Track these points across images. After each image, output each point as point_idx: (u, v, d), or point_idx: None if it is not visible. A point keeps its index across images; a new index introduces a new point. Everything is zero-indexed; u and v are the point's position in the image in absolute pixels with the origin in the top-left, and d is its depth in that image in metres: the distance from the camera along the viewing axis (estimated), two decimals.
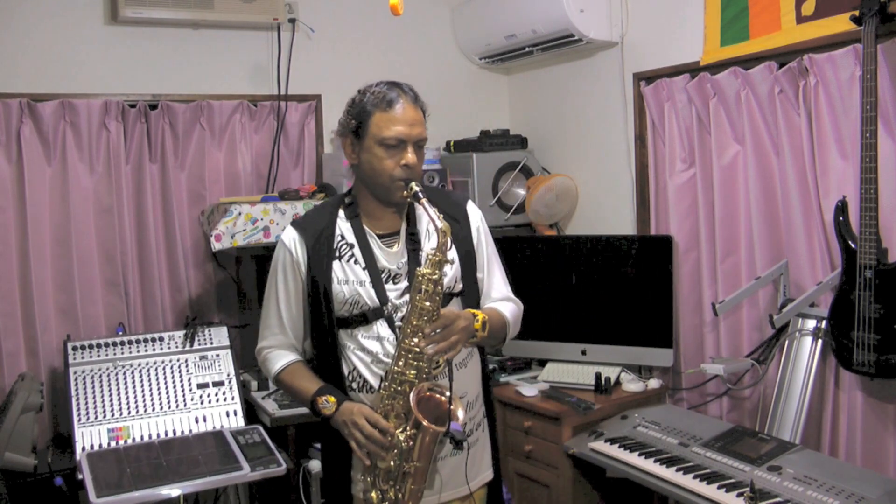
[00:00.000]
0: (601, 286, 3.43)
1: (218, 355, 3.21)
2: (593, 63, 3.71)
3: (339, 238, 2.11)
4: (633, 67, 3.48)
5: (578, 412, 3.03)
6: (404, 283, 2.06)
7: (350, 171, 2.16)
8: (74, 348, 3.09)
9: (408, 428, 1.94)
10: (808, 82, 2.76)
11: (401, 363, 1.96)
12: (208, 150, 3.62)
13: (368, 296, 2.06)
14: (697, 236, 3.25)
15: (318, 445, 3.20)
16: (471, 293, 2.16)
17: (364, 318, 2.06)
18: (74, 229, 3.37)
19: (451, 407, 1.94)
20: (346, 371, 2.10)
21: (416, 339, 1.93)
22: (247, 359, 3.53)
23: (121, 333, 3.34)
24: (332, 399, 2.02)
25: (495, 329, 2.09)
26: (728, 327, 3.14)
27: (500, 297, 2.21)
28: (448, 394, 1.94)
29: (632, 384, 3.24)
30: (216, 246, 3.20)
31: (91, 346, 3.11)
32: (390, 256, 2.09)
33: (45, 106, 3.30)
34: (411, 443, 1.94)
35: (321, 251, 2.09)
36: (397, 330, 2.03)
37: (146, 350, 3.16)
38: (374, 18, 3.91)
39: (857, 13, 2.43)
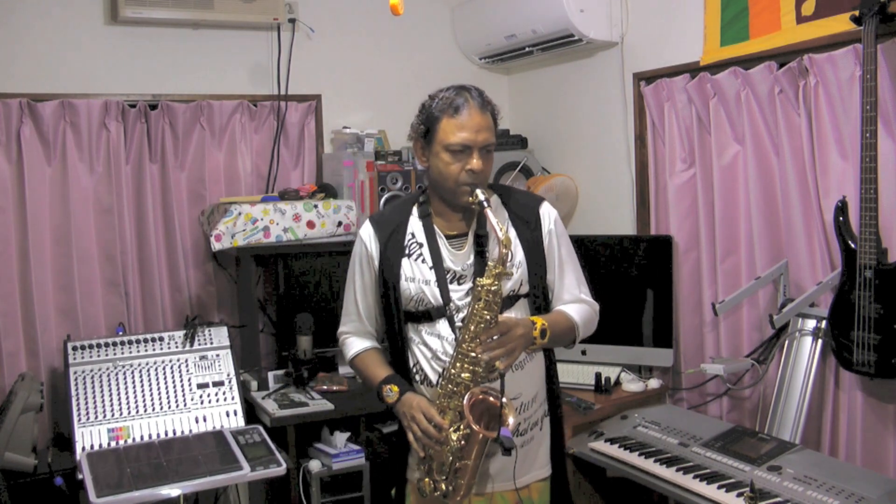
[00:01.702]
0: (601, 286, 3.41)
1: (218, 355, 3.21)
2: (593, 63, 3.71)
3: (410, 236, 2.17)
4: (633, 67, 3.48)
5: (578, 412, 3.02)
6: (468, 285, 2.10)
7: (423, 174, 2.21)
8: (74, 348, 3.08)
9: (461, 427, 2.00)
10: (808, 82, 2.76)
11: (458, 365, 2.01)
12: (208, 150, 3.62)
13: (433, 295, 2.11)
14: (697, 236, 3.25)
15: (319, 445, 3.22)
16: (538, 295, 2.19)
17: (428, 316, 2.13)
18: (74, 229, 3.37)
19: (504, 412, 1.96)
20: (410, 363, 2.17)
21: (473, 345, 1.98)
22: (247, 359, 3.53)
23: (121, 333, 3.34)
24: (396, 388, 2.10)
25: (558, 334, 2.12)
26: (728, 327, 3.14)
27: (570, 298, 2.23)
28: (503, 399, 1.96)
29: (632, 384, 3.24)
30: (216, 246, 3.20)
31: (91, 346, 3.10)
32: (457, 258, 2.13)
33: (45, 106, 3.30)
34: (463, 442, 2.00)
35: (393, 247, 2.16)
36: (457, 330, 2.08)
37: (146, 350, 3.16)
38: (374, 18, 3.91)
39: (857, 13, 2.43)
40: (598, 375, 3.24)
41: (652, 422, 2.95)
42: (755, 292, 2.97)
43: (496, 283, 1.97)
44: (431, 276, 2.12)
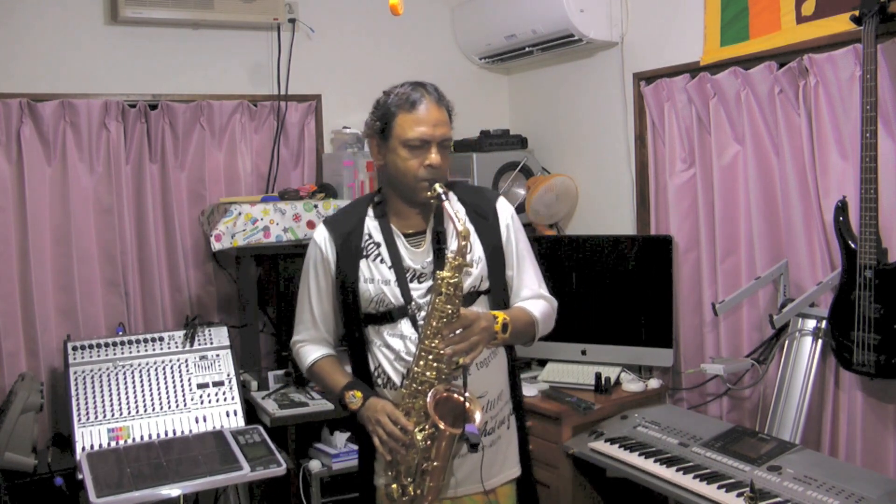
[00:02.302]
0: (601, 286, 3.43)
1: (218, 355, 3.21)
2: (593, 63, 3.71)
3: (367, 237, 2.14)
4: (633, 67, 3.48)
5: (578, 412, 3.02)
6: (429, 283, 2.07)
7: (377, 172, 2.18)
8: (74, 348, 3.09)
9: (426, 428, 1.96)
10: (808, 82, 2.76)
11: (421, 363, 1.98)
12: (208, 150, 3.62)
13: (393, 294, 2.08)
14: (697, 236, 3.25)
15: (319, 445, 3.22)
16: (498, 291, 2.16)
17: (389, 316, 2.09)
18: (74, 229, 3.37)
19: (468, 407, 1.94)
20: (372, 367, 2.13)
21: (436, 341, 1.95)
22: (247, 359, 3.53)
23: (121, 333, 3.34)
24: (359, 394, 2.06)
25: (519, 329, 2.08)
26: (728, 327, 3.14)
27: (530, 294, 2.20)
28: (466, 394, 1.94)
29: (632, 384, 3.24)
30: (216, 246, 3.20)
31: (91, 346, 3.11)
32: (416, 256, 2.11)
33: (45, 106, 3.30)
34: (429, 442, 1.96)
35: (349, 250, 2.12)
36: (420, 329, 2.05)
37: (146, 350, 3.16)
38: (374, 18, 3.91)
39: (857, 13, 2.43)
40: (598, 375, 3.24)
41: (652, 422, 2.95)
42: (755, 292, 2.97)
43: (456, 275, 1.94)
44: (391, 275, 2.08)
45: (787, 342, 2.83)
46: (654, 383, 3.28)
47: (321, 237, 2.17)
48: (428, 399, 1.95)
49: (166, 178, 3.55)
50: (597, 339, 3.43)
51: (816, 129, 2.76)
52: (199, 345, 3.23)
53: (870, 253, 2.45)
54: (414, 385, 1.99)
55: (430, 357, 1.96)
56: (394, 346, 2.09)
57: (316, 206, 3.39)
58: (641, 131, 3.46)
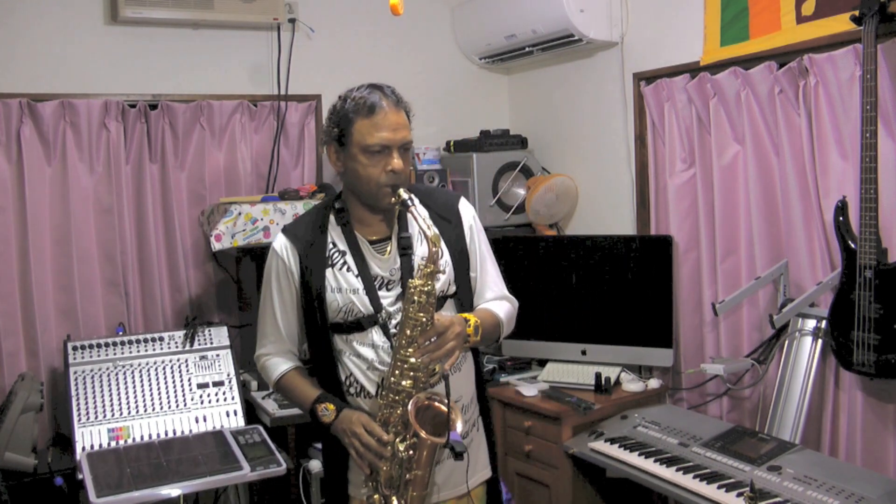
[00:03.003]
0: (601, 286, 3.43)
1: (218, 355, 3.21)
2: (593, 63, 3.71)
3: (331, 245, 2.09)
4: (633, 67, 3.48)
5: (578, 412, 3.02)
6: (398, 290, 2.04)
7: (339, 178, 2.13)
8: (74, 348, 3.09)
9: (408, 437, 1.93)
10: (808, 82, 2.76)
11: (397, 373, 1.95)
12: (208, 150, 3.62)
13: (362, 303, 2.04)
14: (697, 236, 3.25)
15: (319, 445, 3.22)
16: (464, 294, 2.14)
17: (359, 326, 2.05)
18: (74, 229, 3.37)
19: (452, 416, 1.91)
20: (342, 376, 2.09)
21: (410, 350, 1.92)
22: (247, 359, 3.52)
23: (121, 333, 3.34)
24: (332, 407, 2.02)
25: (488, 331, 2.07)
26: (728, 327, 3.14)
27: (493, 296, 2.18)
28: (446, 402, 1.91)
29: (632, 384, 3.24)
30: (216, 246, 3.20)
31: (91, 346, 3.11)
32: (383, 263, 2.07)
33: (45, 106, 3.30)
34: (411, 452, 1.93)
35: (313, 259, 2.07)
36: (392, 338, 2.01)
37: (146, 350, 3.16)
38: (374, 18, 3.91)
39: (857, 13, 2.43)
40: (598, 375, 3.24)
41: (652, 422, 2.95)
42: (755, 292, 2.97)
43: (429, 282, 1.91)
44: (358, 284, 2.03)
45: (787, 342, 2.83)
46: (654, 383, 3.28)
47: (281, 246, 2.11)
48: (409, 408, 1.91)
49: (166, 178, 3.55)
50: (597, 339, 3.43)
51: (816, 129, 2.76)
52: (199, 345, 3.23)
53: (870, 253, 2.45)
54: (391, 395, 1.95)
55: (406, 366, 1.93)
56: (365, 356, 2.04)
57: None
58: (641, 131, 3.46)
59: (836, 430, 2.75)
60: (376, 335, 2.04)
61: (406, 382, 1.94)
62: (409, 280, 1.94)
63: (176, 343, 3.21)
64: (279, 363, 2.18)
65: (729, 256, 3.12)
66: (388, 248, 2.08)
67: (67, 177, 3.36)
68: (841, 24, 2.62)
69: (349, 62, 3.91)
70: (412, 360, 1.92)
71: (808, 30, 2.76)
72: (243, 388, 3.26)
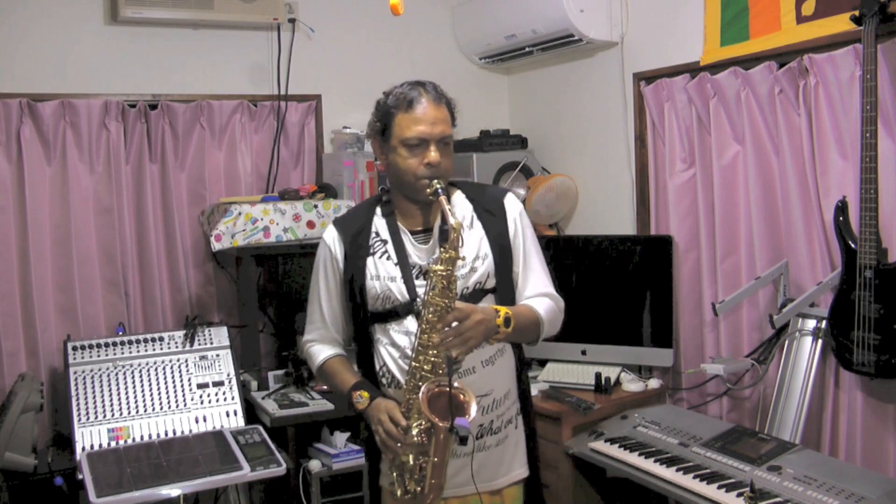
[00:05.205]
0: (601, 286, 3.43)
1: (218, 355, 3.21)
2: (593, 63, 3.71)
3: (374, 235, 2.15)
4: (633, 67, 3.48)
5: (578, 412, 3.02)
6: None
7: (386, 171, 2.18)
8: (74, 348, 3.08)
9: (423, 424, 1.95)
10: (808, 82, 2.76)
11: (420, 358, 1.98)
12: (208, 150, 3.62)
13: (399, 291, 2.08)
14: (697, 236, 3.25)
15: (319, 445, 3.23)
16: (505, 290, 2.14)
17: (396, 313, 2.09)
18: (74, 229, 3.37)
19: (463, 398, 1.92)
20: (377, 366, 2.13)
21: (432, 335, 1.95)
22: (247, 359, 3.53)
23: (121, 333, 3.34)
24: (366, 394, 2.06)
25: (523, 325, 2.06)
26: (728, 327, 3.14)
27: (535, 292, 2.17)
28: (456, 385, 1.92)
29: (632, 384, 3.24)
30: (216, 246, 3.20)
31: (91, 346, 3.11)
32: (422, 252, 2.11)
33: (45, 106, 3.30)
34: (424, 438, 1.95)
35: (357, 248, 2.13)
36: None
37: (146, 350, 3.16)
38: (374, 18, 3.92)
39: (857, 13, 2.43)
40: (598, 375, 3.24)
41: (652, 422, 2.95)
42: (755, 292, 2.97)
43: (448, 268, 1.94)
44: (396, 272, 2.09)
45: (787, 342, 2.83)
46: (654, 383, 3.28)
47: (330, 237, 2.19)
48: (421, 393, 1.93)
49: (166, 178, 3.55)
50: (597, 339, 3.43)
51: (816, 129, 2.76)
52: (199, 345, 3.23)
53: (870, 253, 2.45)
54: (413, 381, 1.99)
55: (429, 352, 1.96)
56: (400, 343, 2.09)
57: (316, 206, 3.39)
58: (641, 131, 3.46)
59: (836, 430, 2.75)
60: (411, 323, 2.07)
61: (427, 367, 1.97)
62: (431, 266, 1.98)
63: (176, 343, 3.21)
64: (322, 349, 2.23)
65: (729, 256, 3.12)
66: (430, 239, 2.13)
67: (67, 177, 3.36)
68: (841, 24, 2.62)
69: (349, 62, 3.92)
70: (431, 343, 1.95)
71: (808, 30, 2.76)
72: (243, 388, 3.26)
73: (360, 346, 2.19)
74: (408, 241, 2.13)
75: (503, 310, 1.99)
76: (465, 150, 3.87)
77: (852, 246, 2.51)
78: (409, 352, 2.05)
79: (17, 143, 3.28)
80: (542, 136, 4.04)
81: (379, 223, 2.16)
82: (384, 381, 2.12)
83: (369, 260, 2.12)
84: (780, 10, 2.85)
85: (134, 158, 3.51)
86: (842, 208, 2.56)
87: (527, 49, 3.79)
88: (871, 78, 2.39)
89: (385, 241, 2.13)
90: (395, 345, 2.09)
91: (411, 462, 1.97)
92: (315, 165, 3.87)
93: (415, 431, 1.95)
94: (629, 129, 3.52)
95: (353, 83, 3.92)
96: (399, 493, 2.01)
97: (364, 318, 2.13)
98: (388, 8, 2.59)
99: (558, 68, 3.93)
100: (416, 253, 2.11)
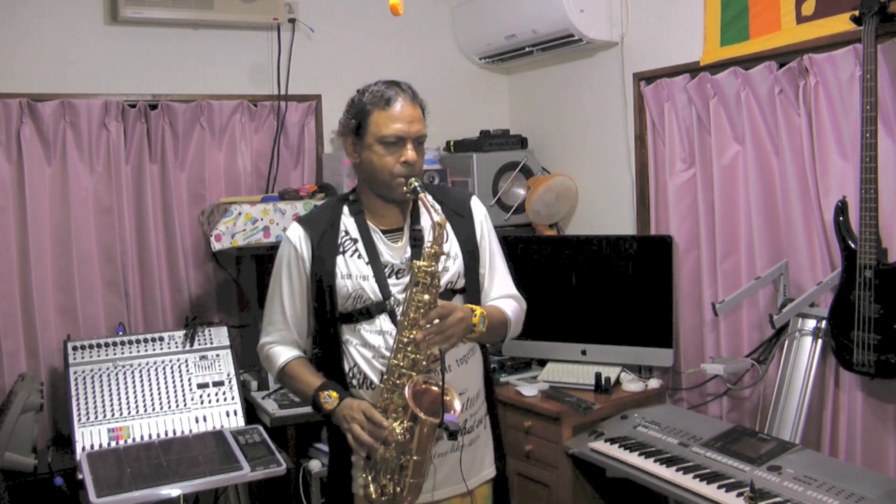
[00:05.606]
0: (601, 286, 3.43)
1: (218, 355, 3.21)
2: (593, 63, 3.72)
3: (344, 233, 2.13)
4: (633, 67, 3.48)
5: (578, 412, 3.02)
6: (407, 278, 2.06)
7: (353, 171, 2.18)
8: (74, 348, 3.09)
9: (405, 421, 1.94)
10: (808, 82, 2.76)
11: (399, 356, 1.97)
12: (208, 150, 3.62)
13: (371, 290, 2.07)
14: (697, 236, 3.25)
15: (319, 445, 3.22)
16: (473, 290, 2.16)
17: (367, 313, 2.07)
18: (74, 229, 3.37)
19: (447, 397, 1.92)
20: (346, 367, 2.11)
21: (413, 332, 1.94)
22: (247, 359, 3.53)
23: (121, 333, 3.34)
24: (335, 394, 2.03)
25: (495, 325, 2.09)
26: (728, 327, 3.14)
27: (501, 294, 2.21)
28: (440, 383, 1.92)
29: (632, 384, 3.24)
30: (216, 246, 3.20)
31: (91, 346, 3.11)
32: (394, 251, 2.10)
33: (45, 106, 3.30)
34: (408, 435, 1.94)
35: (325, 247, 2.11)
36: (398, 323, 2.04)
37: (146, 350, 3.16)
38: (374, 18, 3.91)
39: (857, 13, 2.43)
40: (598, 375, 3.24)
41: (652, 422, 2.95)
42: (755, 292, 2.97)
43: (433, 264, 1.95)
44: (368, 270, 2.07)
45: (787, 342, 2.83)
46: (654, 383, 3.28)
47: (296, 235, 2.14)
48: (406, 389, 1.93)
49: (166, 178, 3.55)
50: (597, 339, 3.43)
51: (816, 129, 2.76)
52: (199, 345, 3.23)
53: (870, 253, 2.45)
54: (392, 379, 1.97)
55: (409, 349, 1.95)
56: (372, 343, 2.06)
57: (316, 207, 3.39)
58: (641, 131, 3.46)
59: (836, 430, 2.75)
60: (384, 322, 2.06)
61: (407, 364, 1.96)
62: (414, 261, 1.97)
63: (176, 343, 3.21)
64: (283, 351, 2.19)
65: (729, 256, 3.12)
66: (401, 238, 2.12)
67: (67, 177, 3.36)
68: (841, 24, 2.62)
69: (349, 62, 3.91)
70: (413, 341, 1.94)
71: (808, 30, 2.76)
72: (243, 388, 3.26)
73: (325, 348, 2.14)
74: (379, 239, 2.11)
75: (479, 309, 2.01)
76: (464, 150, 3.87)
77: (852, 246, 2.51)
78: (384, 351, 2.04)
79: (17, 143, 3.28)
80: (541, 136, 4.04)
81: (348, 222, 2.14)
82: (354, 381, 2.09)
83: (339, 259, 2.10)
84: (780, 10, 2.85)
85: (134, 158, 3.51)
86: (842, 208, 2.56)
87: (527, 49, 3.79)
88: (871, 78, 2.39)
89: (355, 240, 2.11)
90: (368, 345, 2.07)
91: (391, 460, 1.95)
92: (315, 165, 3.87)
93: (398, 430, 1.93)
94: (629, 129, 3.52)
95: (353, 83, 3.83)
96: (375, 495, 1.98)
97: (331, 318, 2.10)
98: (387, 8, 2.60)
99: (558, 68, 3.93)
100: (388, 252, 2.10)
